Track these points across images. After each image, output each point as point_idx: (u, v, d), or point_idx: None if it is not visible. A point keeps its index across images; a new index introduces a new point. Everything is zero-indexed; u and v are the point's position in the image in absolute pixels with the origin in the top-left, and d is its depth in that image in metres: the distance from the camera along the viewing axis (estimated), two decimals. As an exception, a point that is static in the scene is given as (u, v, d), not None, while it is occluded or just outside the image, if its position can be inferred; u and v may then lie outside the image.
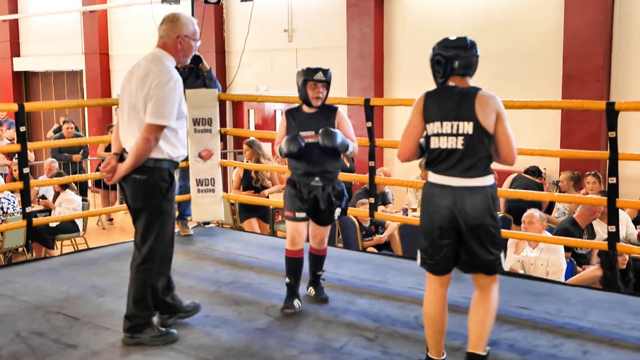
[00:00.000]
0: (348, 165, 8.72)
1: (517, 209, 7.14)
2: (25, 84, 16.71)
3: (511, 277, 5.20)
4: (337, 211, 4.47)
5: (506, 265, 5.82)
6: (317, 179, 4.37)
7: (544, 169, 8.79)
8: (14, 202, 8.25)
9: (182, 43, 3.85)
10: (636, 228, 7.05)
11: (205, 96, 6.32)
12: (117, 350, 3.81)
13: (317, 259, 4.61)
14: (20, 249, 8.51)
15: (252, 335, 4.02)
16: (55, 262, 5.77)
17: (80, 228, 8.93)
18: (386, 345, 3.88)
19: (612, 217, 4.88)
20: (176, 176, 6.45)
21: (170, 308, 4.05)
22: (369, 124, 5.73)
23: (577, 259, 6.30)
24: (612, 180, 4.81)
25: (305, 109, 4.48)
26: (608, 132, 4.76)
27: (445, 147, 3.31)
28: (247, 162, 8.07)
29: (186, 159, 6.27)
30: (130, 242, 4.43)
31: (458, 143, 3.28)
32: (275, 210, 8.49)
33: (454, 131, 3.29)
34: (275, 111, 12.53)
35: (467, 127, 3.27)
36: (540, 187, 8.11)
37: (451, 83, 3.37)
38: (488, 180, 3.32)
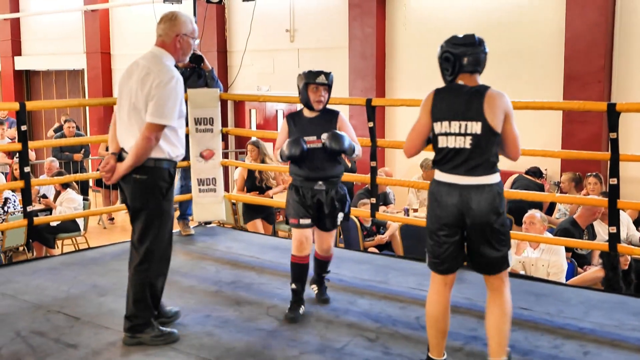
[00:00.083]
0: (349, 165, 8.72)
1: (518, 209, 7.14)
2: (26, 82, 16.72)
3: (512, 278, 5.13)
4: (340, 216, 4.42)
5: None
6: (320, 182, 4.32)
7: (545, 169, 8.79)
8: (14, 201, 8.26)
9: (181, 42, 3.85)
10: (638, 230, 7.05)
11: (207, 96, 6.32)
12: (117, 350, 3.80)
13: (323, 264, 4.58)
14: (21, 248, 8.51)
15: (253, 336, 4.02)
16: (56, 261, 5.77)
17: (81, 227, 8.93)
18: (387, 346, 3.87)
19: (613, 218, 4.88)
20: (177, 176, 6.47)
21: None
22: (371, 124, 5.73)
23: (576, 260, 6.29)
24: (613, 181, 4.81)
25: (306, 113, 4.42)
26: (609, 133, 4.76)
27: (453, 147, 3.30)
28: (252, 162, 8.05)
29: (187, 159, 6.27)
30: (131, 242, 4.43)
31: (466, 143, 3.28)
32: (277, 210, 8.49)
33: (462, 131, 3.28)
34: (276, 111, 12.54)
35: (476, 127, 3.27)
36: (541, 188, 8.11)
37: (460, 81, 3.36)
38: (494, 178, 3.33)
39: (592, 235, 6.58)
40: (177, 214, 6.09)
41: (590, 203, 6.28)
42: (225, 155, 10.71)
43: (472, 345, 3.87)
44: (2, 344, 3.87)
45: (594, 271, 5.81)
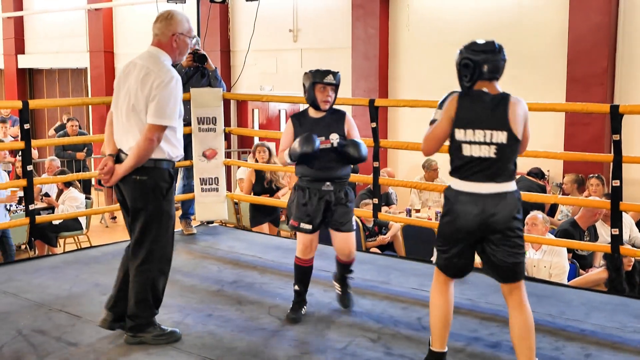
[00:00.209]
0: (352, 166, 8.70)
1: (520, 211, 7.13)
2: (29, 81, 16.74)
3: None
4: (354, 218, 4.30)
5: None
6: (327, 183, 4.20)
7: (548, 171, 8.78)
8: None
9: (178, 41, 3.81)
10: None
11: (210, 95, 6.32)
12: (119, 349, 3.80)
13: (345, 266, 4.44)
14: (23, 247, 8.52)
15: (254, 335, 4.02)
16: (58, 260, 5.78)
17: (84, 226, 8.94)
18: (389, 346, 3.87)
19: (616, 220, 4.87)
20: (179, 175, 6.48)
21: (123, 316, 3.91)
22: (374, 125, 5.73)
23: (577, 261, 6.29)
24: (616, 183, 4.80)
25: (312, 113, 4.29)
26: (612, 135, 4.76)
27: (478, 156, 3.26)
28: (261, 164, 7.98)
29: (190, 158, 6.27)
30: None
31: (491, 152, 3.24)
32: (280, 209, 8.48)
33: (487, 140, 3.24)
34: (279, 111, 12.54)
35: (501, 137, 3.24)
36: (542, 189, 8.11)
37: (484, 88, 3.31)
38: (513, 185, 3.32)
39: (594, 237, 6.57)
40: (179, 213, 6.09)
41: (593, 205, 6.27)
42: (228, 155, 10.71)
43: (473, 347, 3.87)
44: (4, 342, 3.88)
45: (598, 272, 5.81)
